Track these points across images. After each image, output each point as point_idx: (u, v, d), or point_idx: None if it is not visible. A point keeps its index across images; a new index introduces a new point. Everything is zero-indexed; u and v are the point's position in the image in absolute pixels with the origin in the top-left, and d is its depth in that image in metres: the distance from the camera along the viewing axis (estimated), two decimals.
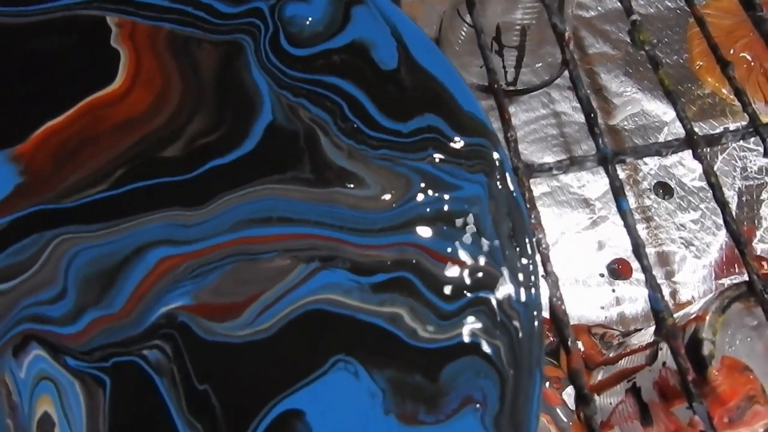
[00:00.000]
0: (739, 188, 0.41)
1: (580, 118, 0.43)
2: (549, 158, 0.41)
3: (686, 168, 0.41)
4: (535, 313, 0.23)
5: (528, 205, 0.26)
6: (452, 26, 0.46)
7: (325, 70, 0.26)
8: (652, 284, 0.24)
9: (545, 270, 0.24)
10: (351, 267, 0.23)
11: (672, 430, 0.26)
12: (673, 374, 0.25)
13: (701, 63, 0.46)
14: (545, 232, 0.25)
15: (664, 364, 0.26)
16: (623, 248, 0.39)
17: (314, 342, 0.22)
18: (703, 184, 0.41)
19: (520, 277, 0.23)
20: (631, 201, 0.40)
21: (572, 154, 0.42)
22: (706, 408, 0.21)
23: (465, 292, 0.23)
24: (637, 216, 0.39)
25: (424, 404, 0.21)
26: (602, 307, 0.38)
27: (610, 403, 0.31)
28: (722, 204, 0.26)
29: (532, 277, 0.23)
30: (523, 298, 0.23)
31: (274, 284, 0.23)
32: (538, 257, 0.24)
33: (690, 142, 0.27)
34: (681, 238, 0.39)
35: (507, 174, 0.25)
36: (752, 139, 0.37)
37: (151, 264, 0.23)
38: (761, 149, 0.27)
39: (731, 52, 0.47)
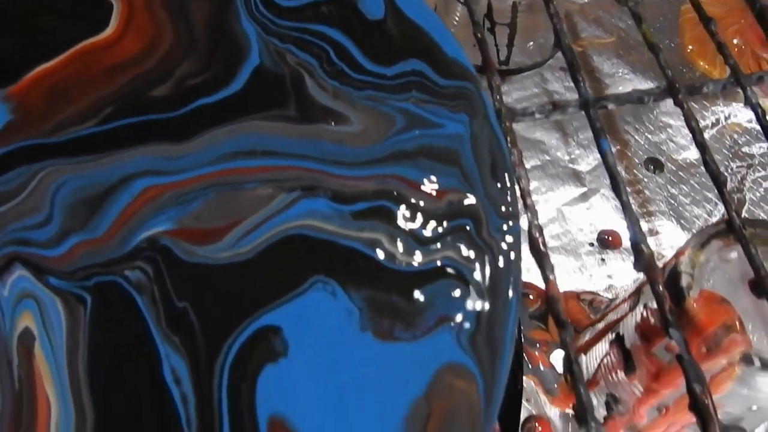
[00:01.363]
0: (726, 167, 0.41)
1: (572, 96, 0.44)
2: (540, 134, 0.42)
3: (676, 144, 0.41)
4: (512, 241, 0.23)
5: (509, 145, 0.26)
6: (447, 11, 0.47)
7: (312, 20, 0.27)
8: (631, 219, 0.24)
9: (524, 204, 0.25)
10: (332, 196, 0.23)
11: (653, 371, 0.26)
12: (654, 313, 0.25)
13: (692, 47, 0.46)
14: (527, 174, 0.25)
15: (645, 305, 0.26)
16: (613, 220, 0.39)
17: (293, 264, 0.22)
18: (693, 159, 0.41)
19: (499, 207, 0.23)
20: (623, 175, 0.40)
21: (565, 131, 0.42)
22: (682, 334, 0.22)
23: (444, 220, 0.23)
24: (627, 189, 0.40)
25: (400, 322, 0.21)
26: (591, 276, 0.38)
27: (596, 359, 0.31)
28: (702, 146, 0.26)
29: (511, 209, 0.24)
30: (501, 227, 0.23)
31: (256, 211, 0.23)
32: (518, 192, 0.25)
33: (671, 90, 0.28)
34: (671, 210, 0.39)
35: (489, 114, 0.25)
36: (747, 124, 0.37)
37: (135, 192, 0.23)
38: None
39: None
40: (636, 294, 0.28)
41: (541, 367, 0.34)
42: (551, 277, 0.23)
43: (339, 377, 0.20)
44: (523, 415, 0.34)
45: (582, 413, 0.20)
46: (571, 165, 0.41)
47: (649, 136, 0.41)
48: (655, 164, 0.41)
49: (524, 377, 0.33)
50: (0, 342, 0.21)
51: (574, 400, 0.31)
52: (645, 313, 0.26)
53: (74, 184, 0.24)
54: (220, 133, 0.25)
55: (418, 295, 0.22)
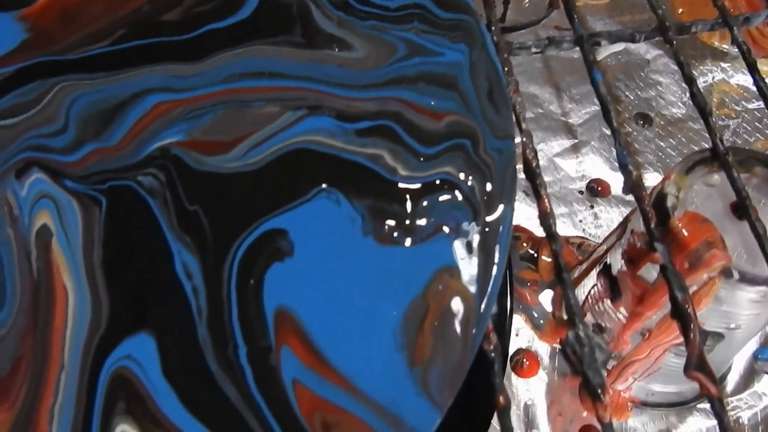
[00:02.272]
0: None
1: (567, 55, 0.45)
2: (534, 89, 0.43)
3: (665, 101, 0.43)
4: (508, 159, 0.24)
5: (506, 75, 0.27)
6: None
7: None
8: (620, 142, 0.26)
9: (519, 128, 0.26)
10: (336, 114, 0.24)
11: (638, 294, 0.27)
12: (640, 236, 0.26)
13: (682, 10, 0.48)
14: (522, 100, 0.27)
15: (632, 231, 0.27)
16: (603, 171, 0.41)
17: (299, 175, 0.23)
18: (681, 115, 0.42)
19: (496, 129, 0.25)
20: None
21: (559, 86, 0.43)
22: (667, 247, 0.23)
23: (443, 138, 0.24)
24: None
25: (400, 229, 0.22)
26: (580, 222, 0.39)
27: (583, 293, 0.32)
28: (690, 80, 0.27)
29: (508, 130, 0.25)
30: (497, 146, 0.24)
31: (263, 126, 0.24)
32: (513, 117, 0.26)
33: (662, 28, 0.29)
34: (658, 162, 0.40)
35: (487, 44, 0.26)
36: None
37: (147, 107, 0.24)
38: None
39: None
40: (623, 225, 0.29)
41: (530, 305, 0.35)
42: (543, 193, 0.24)
43: (342, 276, 0.22)
44: (511, 350, 0.35)
45: (571, 315, 0.22)
46: (563, 118, 0.42)
47: (639, 93, 0.43)
48: (644, 119, 0.42)
49: (514, 314, 0.35)
50: (18, 237, 0.22)
51: (562, 334, 0.32)
52: (632, 239, 0.27)
53: (89, 98, 0.25)
54: (229, 55, 0.26)
55: (417, 205, 0.23)
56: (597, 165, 0.41)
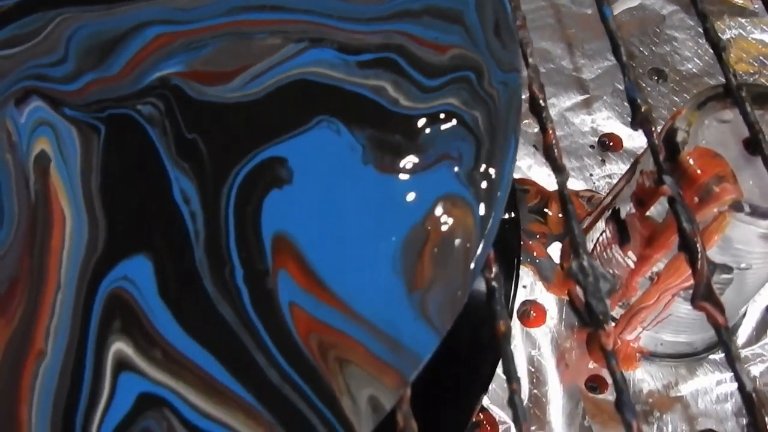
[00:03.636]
0: None
1: (579, 10, 0.44)
2: (546, 44, 0.42)
3: (680, 56, 0.42)
4: (513, 91, 0.23)
5: (514, 10, 0.26)
6: None
7: None
8: (629, 77, 0.25)
9: (527, 63, 0.25)
10: (339, 47, 0.24)
11: (647, 236, 0.26)
12: (649, 175, 0.26)
13: None
14: (529, 35, 0.26)
15: (641, 171, 0.27)
16: (615, 125, 0.40)
17: (299, 104, 0.23)
18: (696, 71, 0.41)
19: (501, 62, 0.24)
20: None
21: (571, 42, 0.42)
22: (675, 179, 0.22)
23: (447, 71, 0.24)
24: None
25: (401, 158, 0.22)
26: (591, 176, 0.38)
27: (591, 242, 0.32)
28: (703, 16, 0.27)
29: (513, 63, 0.24)
30: (502, 79, 0.24)
31: (264, 58, 0.24)
32: (520, 51, 0.25)
33: None
34: None
35: None
36: None
37: (147, 38, 0.24)
38: None
39: None
40: (632, 168, 0.29)
41: (539, 257, 0.35)
42: (549, 126, 0.24)
43: (341, 203, 0.21)
44: (518, 301, 0.35)
45: (575, 247, 0.21)
46: (575, 73, 0.41)
47: (654, 48, 0.42)
48: (659, 74, 0.41)
49: (522, 266, 0.34)
50: (17, 162, 0.22)
51: (570, 286, 0.31)
52: (641, 179, 0.26)
53: (89, 29, 0.24)
54: None
55: (419, 134, 0.22)
56: (609, 120, 0.40)
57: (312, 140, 0.22)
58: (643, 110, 0.24)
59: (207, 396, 0.18)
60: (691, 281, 0.21)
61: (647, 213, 0.26)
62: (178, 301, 0.19)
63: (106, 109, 0.23)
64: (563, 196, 0.23)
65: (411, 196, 0.21)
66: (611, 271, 0.30)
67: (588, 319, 0.20)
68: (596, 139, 0.39)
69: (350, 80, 0.23)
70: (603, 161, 0.38)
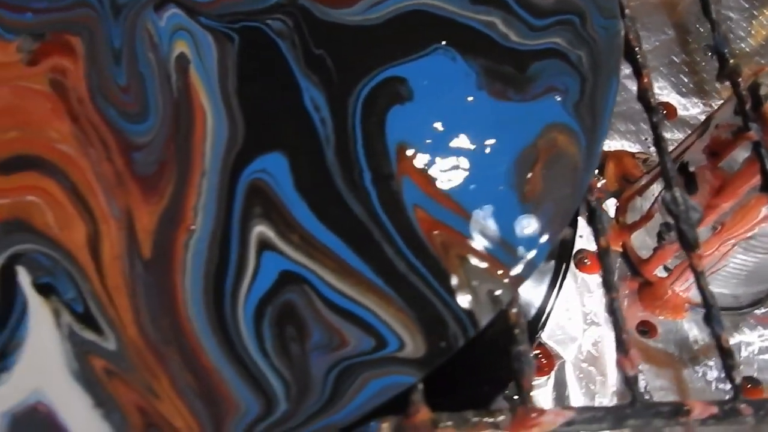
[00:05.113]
0: None
1: None
2: None
3: (734, 35, 0.44)
4: (613, 35, 0.25)
5: None
6: None
7: None
8: (718, 32, 0.27)
9: (623, 13, 0.27)
10: None
11: (716, 186, 0.28)
12: (726, 127, 0.28)
13: None
14: None
15: (716, 126, 0.29)
16: (671, 94, 0.42)
17: (416, 32, 0.25)
18: (749, 50, 0.43)
19: (602, 9, 0.26)
20: (682, 57, 0.43)
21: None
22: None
23: (553, 13, 0.25)
24: (685, 68, 0.42)
25: (512, 86, 0.24)
26: (645, 139, 0.40)
27: (653, 195, 0.34)
28: None
29: (613, 10, 0.26)
30: (603, 24, 0.25)
31: None
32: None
33: None
34: (725, 93, 0.41)
35: None
36: None
37: None
38: None
39: None
40: (704, 124, 0.31)
41: None
42: (644, 72, 0.25)
43: (457, 121, 0.23)
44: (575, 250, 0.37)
45: (668, 180, 0.23)
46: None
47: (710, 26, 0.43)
48: (712, 50, 0.43)
49: (579, 218, 0.36)
50: (159, 60, 0.23)
51: (624, 238, 0.33)
52: (716, 132, 0.28)
53: None
54: None
55: (528, 67, 0.24)
56: (664, 89, 0.42)
57: (429, 65, 0.24)
58: (731, 63, 0.26)
59: (342, 278, 0.20)
60: (754, 230, 0.23)
61: (720, 164, 0.28)
62: (312, 194, 0.21)
63: (238, 21, 0.24)
64: (658, 135, 0.24)
65: (522, 121, 0.23)
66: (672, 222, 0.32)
67: (679, 243, 0.22)
68: None
69: (463, 14, 0.25)
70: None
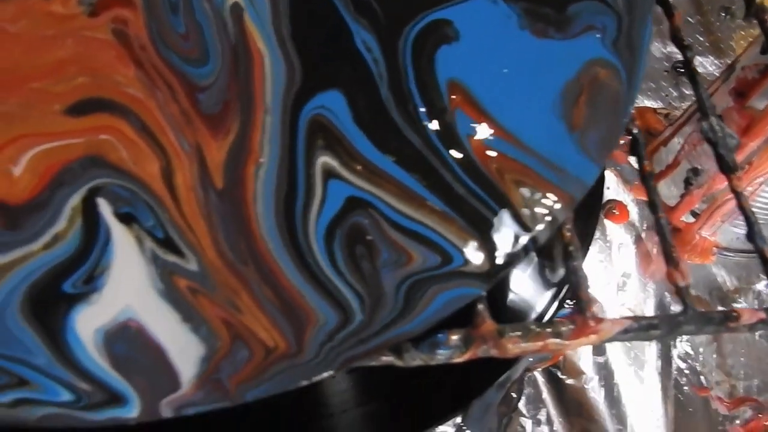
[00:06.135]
0: None
1: None
2: None
3: None
4: None
5: None
6: None
7: None
8: None
9: None
10: None
11: (744, 126, 0.29)
12: (752, 68, 0.29)
13: None
14: None
15: (743, 68, 0.30)
16: None
17: None
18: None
19: None
20: (698, 18, 0.44)
21: None
22: None
23: None
24: (701, 28, 0.43)
25: (553, 26, 0.25)
26: (666, 95, 0.41)
27: (678, 144, 0.35)
28: None
29: None
30: None
31: None
32: None
33: None
34: (739, 49, 0.42)
35: None
36: None
37: None
38: None
39: None
40: (729, 69, 0.32)
41: (620, 164, 0.38)
42: (675, 12, 0.26)
43: (503, 59, 0.24)
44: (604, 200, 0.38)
45: (704, 110, 0.24)
46: None
47: None
48: (726, 11, 0.44)
49: (606, 171, 0.37)
50: (214, 10, 0.24)
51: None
52: (742, 74, 0.29)
53: None
54: None
55: (566, 8, 0.25)
56: None
57: (472, 8, 0.25)
58: (757, 2, 0.27)
59: (405, 202, 0.21)
60: None
61: (747, 104, 0.29)
62: (371, 127, 0.22)
63: None
64: (690, 69, 0.25)
65: (564, 57, 0.24)
66: (699, 166, 0.33)
67: (718, 167, 0.23)
68: (669, 65, 0.42)
69: None
70: (677, 84, 0.42)
